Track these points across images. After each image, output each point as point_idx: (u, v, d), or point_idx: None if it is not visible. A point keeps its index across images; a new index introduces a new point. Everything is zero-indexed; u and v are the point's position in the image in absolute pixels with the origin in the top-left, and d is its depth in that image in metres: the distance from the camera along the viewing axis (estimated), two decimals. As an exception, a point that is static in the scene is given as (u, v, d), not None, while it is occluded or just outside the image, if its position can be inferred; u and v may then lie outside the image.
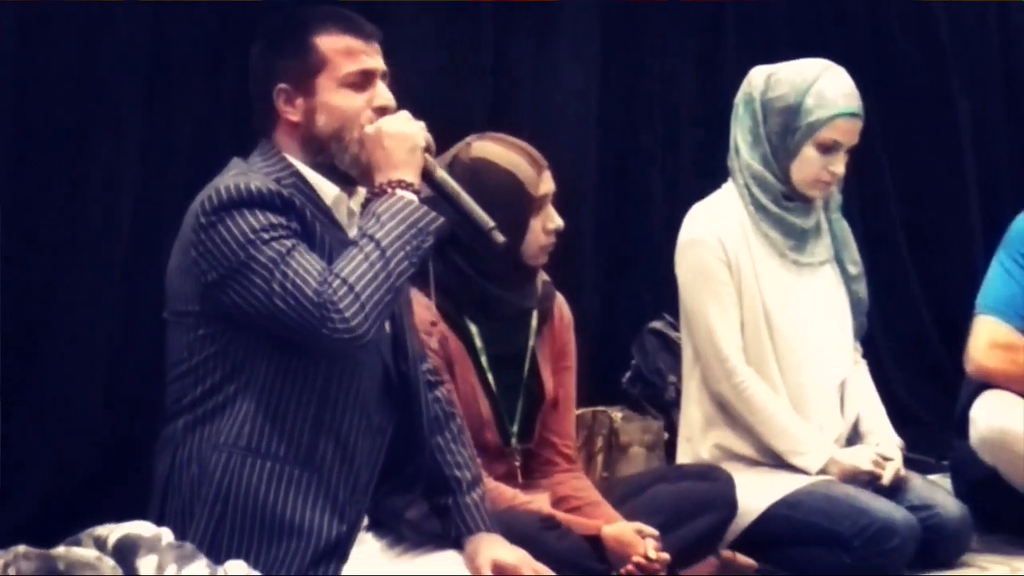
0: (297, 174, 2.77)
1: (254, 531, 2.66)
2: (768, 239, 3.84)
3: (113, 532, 2.12)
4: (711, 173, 4.16)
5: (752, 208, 3.83)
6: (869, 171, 5.38)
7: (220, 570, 2.19)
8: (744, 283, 3.80)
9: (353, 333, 2.60)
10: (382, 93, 2.81)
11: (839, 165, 3.80)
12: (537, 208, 3.37)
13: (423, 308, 3.31)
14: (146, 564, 2.10)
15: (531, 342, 3.49)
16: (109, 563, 2.05)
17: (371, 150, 2.74)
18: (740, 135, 3.86)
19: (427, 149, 2.79)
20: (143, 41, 4.15)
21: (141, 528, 2.16)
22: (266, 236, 2.63)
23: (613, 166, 5.18)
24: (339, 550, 2.71)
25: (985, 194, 5.84)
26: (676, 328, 4.19)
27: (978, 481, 4.03)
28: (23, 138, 3.98)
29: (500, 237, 2.83)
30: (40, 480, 3.98)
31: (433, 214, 2.71)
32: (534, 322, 3.49)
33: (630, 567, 3.27)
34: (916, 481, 3.88)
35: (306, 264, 2.63)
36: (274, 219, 2.65)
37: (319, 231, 2.73)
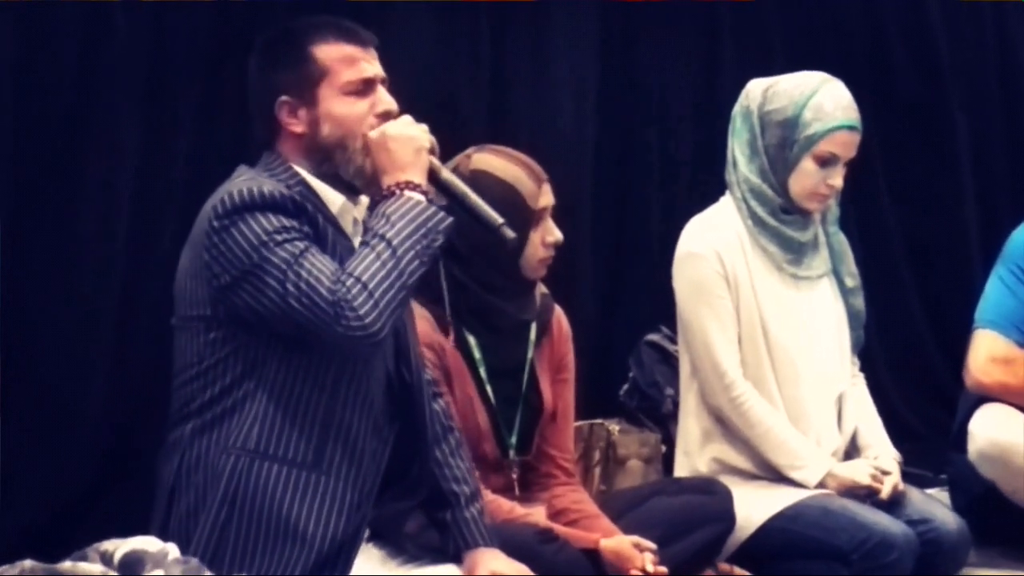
0: (304, 183, 2.79)
1: (260, 534, 2.67)
2: (766, 252, 3.83)
3: (119, 547, 2.12)
4: (708, 186, 4.16)
5: (750, 221, 3.83)
6: (867, 184, 5.37)
7: (226, 584, 2.20)
8: (742, 296, 3.79)
9: (367, 330, 2.62)
10: (384, 98, 2.82)
11: (837, 178, 3.80)
12: (536, 221, 3.37)
13: (423, 320, 3.32)
14: (152, 579, 2.10)
15: (530, 354, 3.49)
16: (115, 577, 2.05)
17: (376, 154, 2.75)
18: (738, 148, 3.85)
19: (431, 151, 2.80)
20: (141, 43, 4.15)
21: (147, 543, 2.15)
22: (279, 238, 2.65)
23: (611, 178, 5.18)
24: (343, 554, 2.72)
25: (983, 207, 5.84)
26: (674, 341, 4.19)
27: (976, 495, 4.03)
28: (21, 140, 3.98)
29: (510, 233, 2.84)
30: (39, 490, 3.98)
31: (442, 214, 2.72)
32: (532, 334, 3.49)
33: (628, 580, 3.27)
34: (914, 495, 3.87)
35: (319, 264, 2.64)
36: (287, 222, 2.67)
37: (330, 236, 2.75)
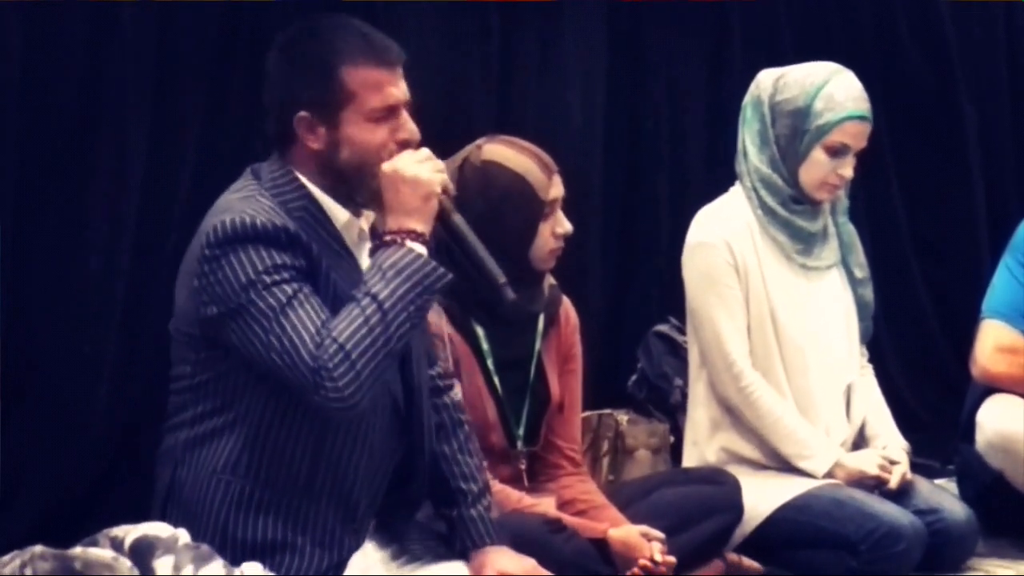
0: (309, 196, 2.74)
1: (248, 559, 2.63)
2: (775, 242, 3.83)
3: (130, 533, 2.12)
4: (718, 176, 4.16)
5: (760, 211, 3.83)
6: (876, 175, 5.37)
7: (236, 571, 2.20)
8: (751, 287, 3.79)
9: (345, 403, 2.58)
10: (406, 125, 2.75)
11: (847, 168, 3.80)
12: (547, 212, 3.37)
13: (431, 311, 3.32)
14: (163, 565, 2.10)
15: (537, 345, 3.49)
16: (126, 563, 2.05)
17: (384, 191, 2.69)
18: (748, 138, 3.85)
19: (444, 191, 2.73)
20: (148, 43, 4.14)
21: (158, 529, 2.16)
22: (267, 280, 2.60)
23: (620, 169, 5.18)
24: (343, 565, 2.71)
25: (991, 198, 5.84)
26: (682, 331, 4.19)
27: (984, 485, 4.03)
28: (27, 140, 3.97)
29: (511, 295, 2.79)
30: (43, 487, 3.98)
31: (441, 270, 2.66)
32: (540, 325, 3.49)
33: (636, 570, 3.28)
34: (922, 485, 3.88)
35: (305, 318, 2.59)
36: (279, 259, 2.62)
37: (324, 266, 2.69)
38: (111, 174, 4.10)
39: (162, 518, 2.69)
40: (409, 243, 2.66)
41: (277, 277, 2.61)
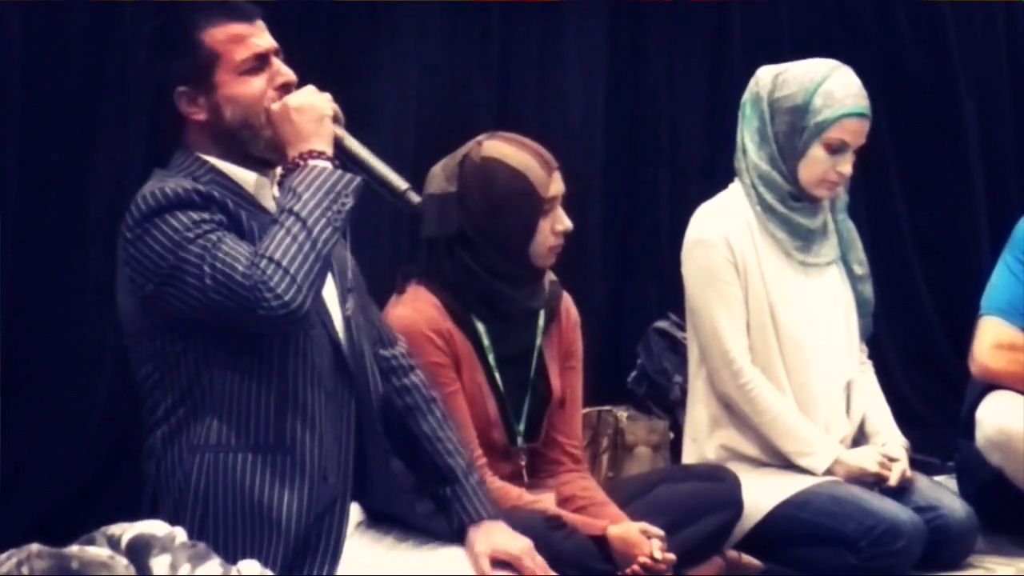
0: (214, 170, 2.80)
1: (236, 525, 2.68)
2: (775, 239, 3.83)
3: (126, 531, 2.12)
4: (717, 173, 4.16)
5: (759, 208, 3.83)
6: (875, 172, 5.37)
7: (233, 570, 2.19)
8: (750, 283, 3.79)
9: (288, 308, 2.62)
10: (281, 70, 2.82)
11: (847, 165, 3.80)
12: (547, 209, 3.37)
13: (432, 307, 3.33)
14: (159, 563, 2.10)
15: (538, 341, 3.49)
16: (122, 562, 2.05)
17: (279, 126, 2.76)
18: (747, 135, 3.85)
19: (335, 119, 2.80)
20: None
21: (154, 527, 2.16)
22: (190, 235, 2.65)
23: (620, 166, 5.18)
24: (325, 527, 2.72)
25: (992, 195, 5.83)
26: (682, 328, 4.19)
27: (984, 482, 4.03)
28: (28, 139, 3.97)
29: (415, 197, 2.82)
30: (40, 485, 3.98)
31: (348, 176, 2.72)
32: (541, 321, 3.49)
33: (635, 567, 3.27)
34: (922, 482, 3.88)
35: (233, 252, 2.65)
36: (196, 216, 2.67)
37: (245, 219, 2.75)
38: (111, 175, 4.10)
39: (152, 514, 2.68)
40: (312, 161, 2.72)
41: (199, 230, 2.66)
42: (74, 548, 2.08)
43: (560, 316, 3.54)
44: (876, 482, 3.78)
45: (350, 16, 4.46)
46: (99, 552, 2.07)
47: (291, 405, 2.74)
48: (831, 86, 3.76)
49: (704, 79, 5.34)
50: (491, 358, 3.41)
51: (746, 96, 3.88)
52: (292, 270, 2.63)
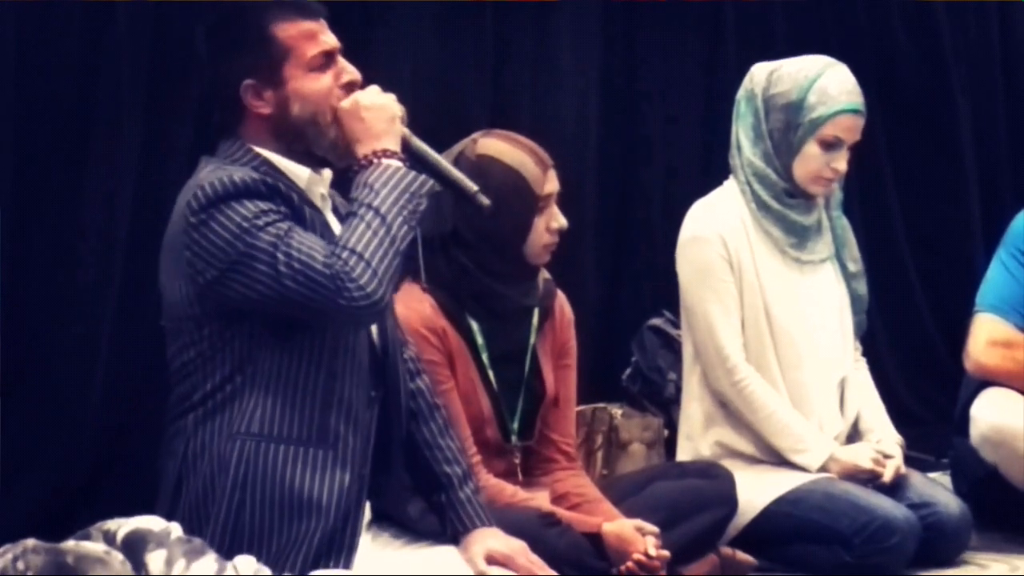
0: (268, 163, 2.79)
1: (274, 513, 2.68)
2: (769, 236, 3.84)
3: (122, 526, 2.12)
4: (712, 170, 4.16)
5: (753, 205, 3.84)
6: (869, 169, 5.38)
7: (229, 566, 2.20)
8: (745, 280, 3.80)
9: (371, 299, 2.63)
10: (347, 68, 2.83)
11: (841, 162, 3.80)
12: (541, 207, 3.37)
13: (425, 304, 3.33)
14: (155, 559, 2.10)
15: (532, 339, 3.49)
16: (118, 557, 2.05)
17: (349, 124, 2.76)
18: (742, 132, 3.86)
19: (402, 120, 2.81)
20: (143, 39, 4.14)
21: (150, 523, 2.16)
22: (260, 223, 2.65)
23: (614, 164, 5.18)
24: (351, 519, 2.73)
25: (985, 192, 5.85)
26: (676, 325, 4.19)
27: (978, 479, 4.04)
28: (23, 137, 3.97)
29: (485, 200, 2.86)
30: (35, 480, 3.98)
31: (423, 177, 2.74)
32: (535, 319, 3.49)
33: (630, 564, 3.28)
34: (916, 479, 3.89)
35: (308, 241, 2.65)
36: (263, 206, 2.67)
37: (308, 213, 2.76)
38: (106, 172, 4.09)
39: (175, 495, 2.72)
40: (385, 160, 2.73)
41: (268, 219, 2.66)
42: (70, 543, 2.08)
43: (554, 314, 3.54)
44: (870, 479, 3.78)
45: (344, 14, 4.46)
46: (95, 547, 2.07)
47: (335, 401, 2.74)
48: (825, 82, 3.77)
49: (698, 77, 5.35)
50: (485, 356, 3.41)
51: (740, 93, 3.88)
52: (374, 263, 2.64)
